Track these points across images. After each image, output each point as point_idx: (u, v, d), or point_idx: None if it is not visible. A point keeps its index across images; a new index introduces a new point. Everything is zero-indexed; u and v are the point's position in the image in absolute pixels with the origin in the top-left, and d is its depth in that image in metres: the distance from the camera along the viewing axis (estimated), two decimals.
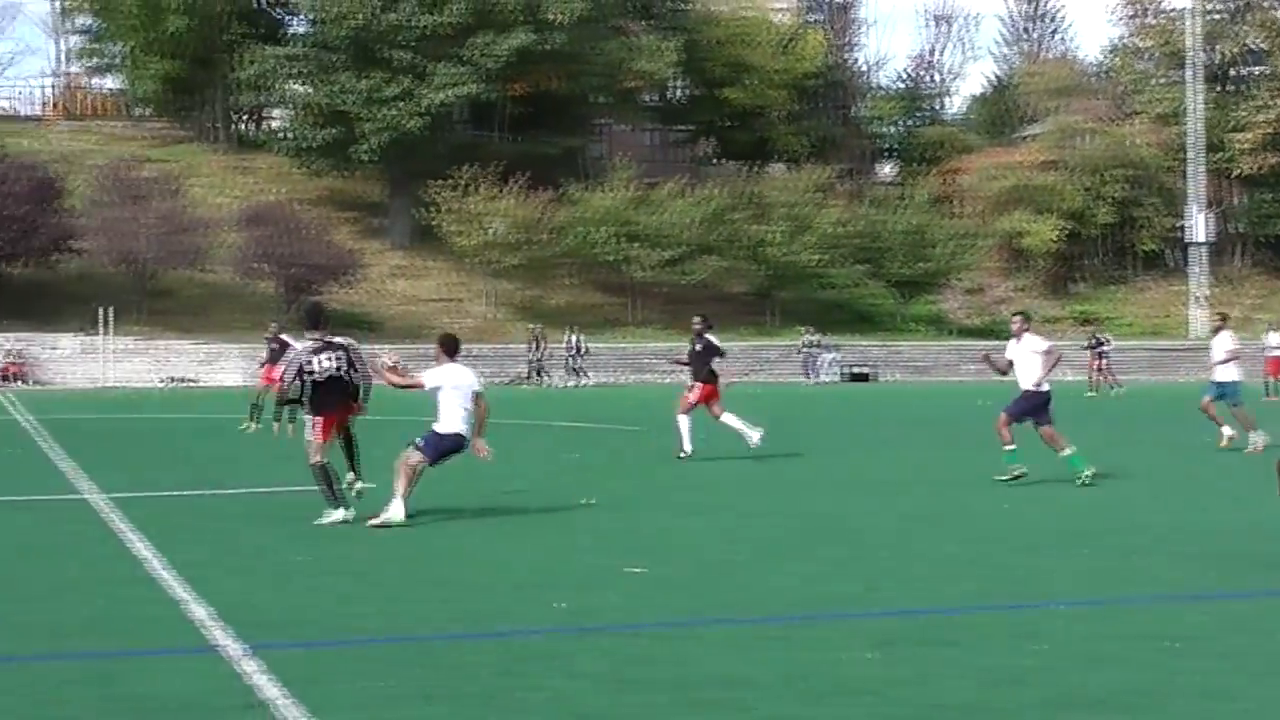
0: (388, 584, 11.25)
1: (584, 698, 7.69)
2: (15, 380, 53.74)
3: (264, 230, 59.66)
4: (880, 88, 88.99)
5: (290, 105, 69.35)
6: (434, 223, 64.02)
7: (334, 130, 65.11)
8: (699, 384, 21.60)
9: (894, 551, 12.90)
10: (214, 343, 56.64)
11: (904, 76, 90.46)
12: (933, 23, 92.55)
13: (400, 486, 14.45)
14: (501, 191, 62.74)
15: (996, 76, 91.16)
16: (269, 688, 7.80)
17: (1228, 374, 23.35)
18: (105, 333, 53.46)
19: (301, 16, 71.88)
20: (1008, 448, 18.17)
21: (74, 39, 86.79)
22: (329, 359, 14.81)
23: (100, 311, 53.81)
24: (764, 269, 67.08)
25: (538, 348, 56.72)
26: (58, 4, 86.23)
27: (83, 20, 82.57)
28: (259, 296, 60.71)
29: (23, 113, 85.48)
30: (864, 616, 10.08)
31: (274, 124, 77.43)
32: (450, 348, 15.26)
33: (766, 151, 77.72)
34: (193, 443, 26.25)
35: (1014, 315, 19.69)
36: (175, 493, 17.73)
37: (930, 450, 19.39)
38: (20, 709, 7.43)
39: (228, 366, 55.36)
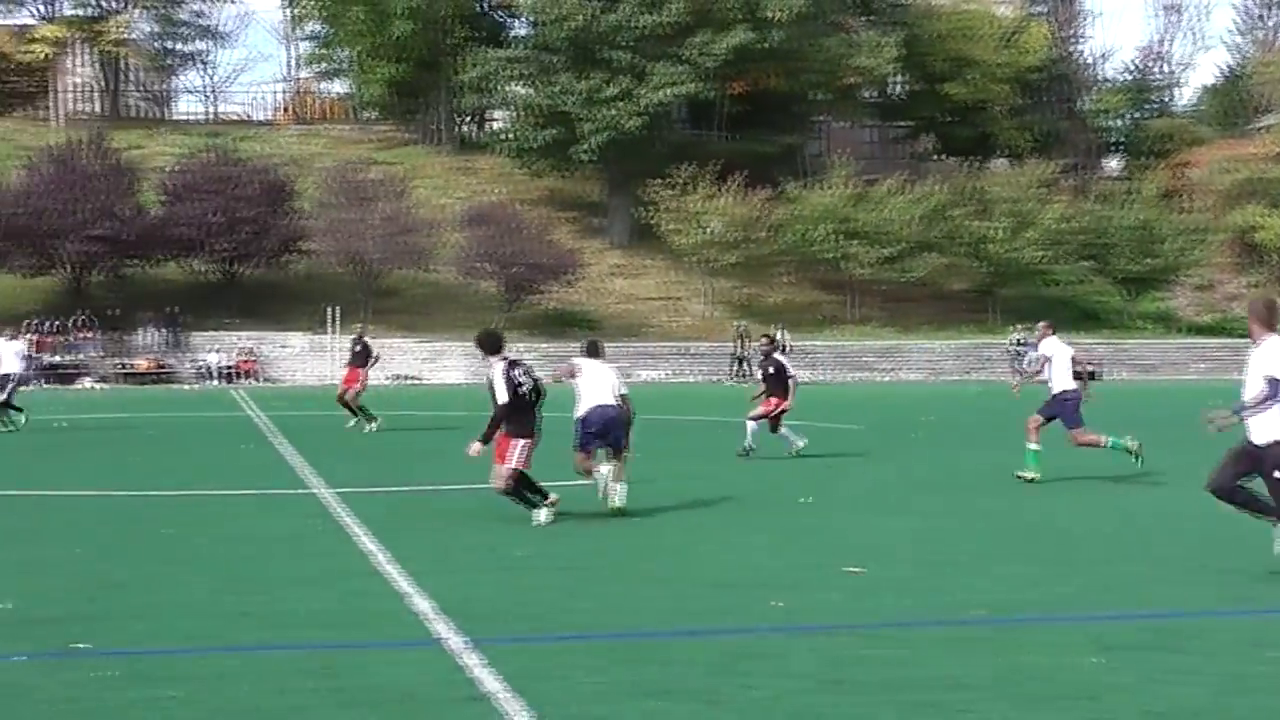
0: (606, 580, 11.33)
1: (800, 697, 7.66)
2: (247, 377, 55.43)
3: (486, 230, 60.51)
4: (1107, 80, 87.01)
5: (511, 107, 70.22)
6: (652, 221, 64.31)
7: (554, 131, 65.77)
8: (773, 398, 22.42)
9: (1109, 553, 12.61)
10: (437, 341, 57.67)
11: (1131, 68, 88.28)
12: (1162, 13, 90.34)
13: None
14: (719, 190, 62.77)
15: (1229, 66, 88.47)
16: (490, 681, 7.91)
17: None
18: (332, 331, 54.78)
19: (523, 19, 72.78)
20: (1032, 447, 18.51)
21: (304, 45, 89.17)
22: (523, 376, 14.77)
23: (328, 310, 55.14)
24: (985, 266, 66.07)
25: (741, 345, 56.62)
26: (289, 11, 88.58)
27: (312, 27, 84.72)
28: (481, 296, 61.64)
29: (255, 118, 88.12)
30: (1082, 620, 9.87)
31: (496, 125, 78.54)
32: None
33: (988, 147, 76.50)
34: (415, 439, 26.74)
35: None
36: (399, 488, 18.08)
37: (1147, 450, 18.85)
38: (251, 697, 7.65)
39: (451, 364, 56.34)
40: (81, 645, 8.90)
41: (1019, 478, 18.28)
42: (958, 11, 76.49)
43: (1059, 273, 67.94)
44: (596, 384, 15.96)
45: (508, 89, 68.99)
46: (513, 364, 14.75)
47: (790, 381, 22.43)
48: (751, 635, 9.27)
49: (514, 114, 70.03)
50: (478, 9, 75.54)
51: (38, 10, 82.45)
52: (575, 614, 9.97)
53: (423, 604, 10.17)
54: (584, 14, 63.97)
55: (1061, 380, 18.97)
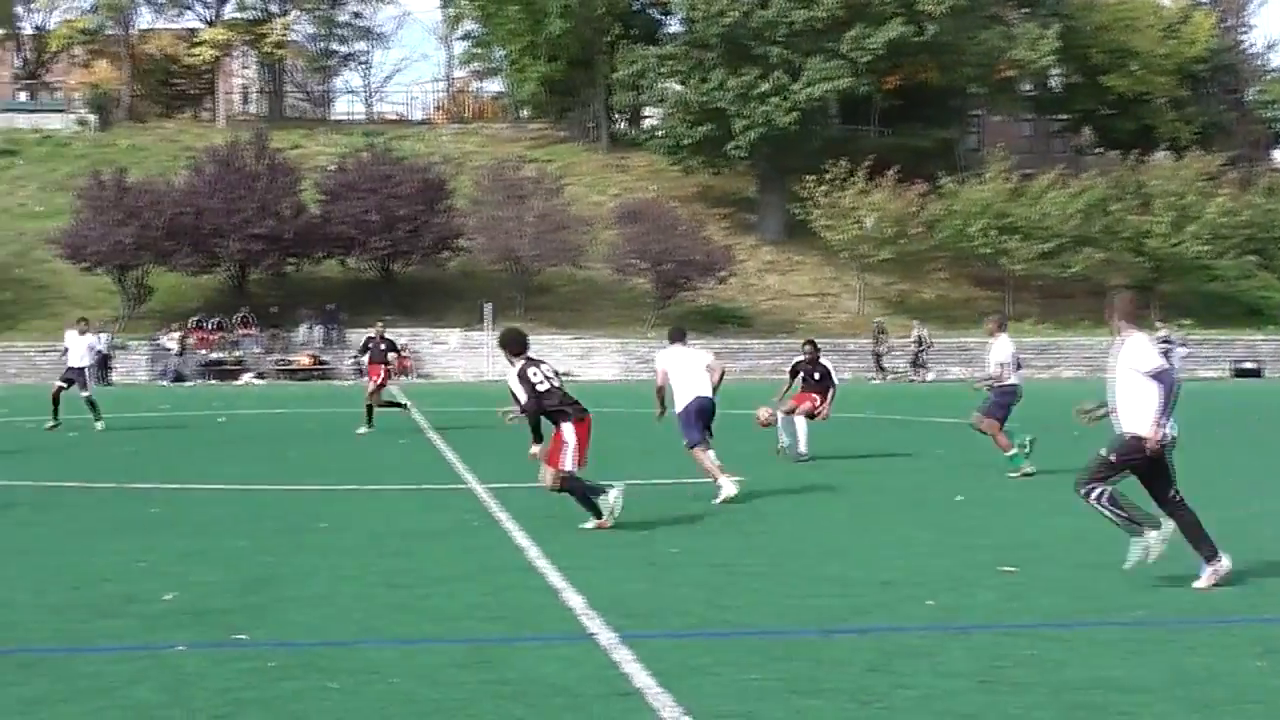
0: (757, 578, 11.29)
1: (955, 697, 7.57)
2: (404, 374, 56.19)
3: (638, 227, 60.70)
4: (1274, 70, 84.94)
5: (665, 104, 70.38)
6: (805, 218, 64.07)
7: (707, 127, 65.77)
8: (814, 394, 21.91)
9: (1274, 555, 12.30)
10: (590, 338, 57.97)
11: None
12: None
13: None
14: (873, 185, 62.36)
15: None
16: (640, 676, 7.92)
17: None
18: (487, 328, 55.30)
19: (677, 16, 72.90)
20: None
21: (460, 45, 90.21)
22: (541, 373, 14.11)
23: (483, 307, 55.67)
24: (1146, 261, 64.88)
25: (879, 342, 56.17)
26: (445, 12, 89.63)
27: (468, 27, 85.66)
28: (632, 292, 61.86)
29: (412, 117, 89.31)
30: (1245, 622, 9.64)
31: (649, 123, 78.78)
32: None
33: (1150, 139, 75.05)
34: None
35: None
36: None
37: None
38: (407, 689, 7.75)
39: (603, 361, 56.60)
40: (242, 636, 9.07)
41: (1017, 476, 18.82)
42: (1119, 2, 75.19)
43: (1222, 268, 66.56)
44: (689, 374, 16.42)
45: (661, 86, 69.12)
46: (530, 362, 14.13)
47: (832, 390, 21.96)
48: (905, 634, 9.19)
49: (667, 111, 70.15)
50: (632, 6, 75.79)
51: (203, 14, 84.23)
52: (726, 611, 9.95)
53: (575, 599, 10.22)
54: (738, 10, 63.89)
55: (1013, 376, 20.22)
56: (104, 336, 33.64)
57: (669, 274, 59.67)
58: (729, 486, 15.94)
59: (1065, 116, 79.95)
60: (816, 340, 23.48)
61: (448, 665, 8.29)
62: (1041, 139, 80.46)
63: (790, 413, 21.66)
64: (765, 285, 66.02)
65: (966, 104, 75.53)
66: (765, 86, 64.01)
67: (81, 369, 28.99)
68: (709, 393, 16.40)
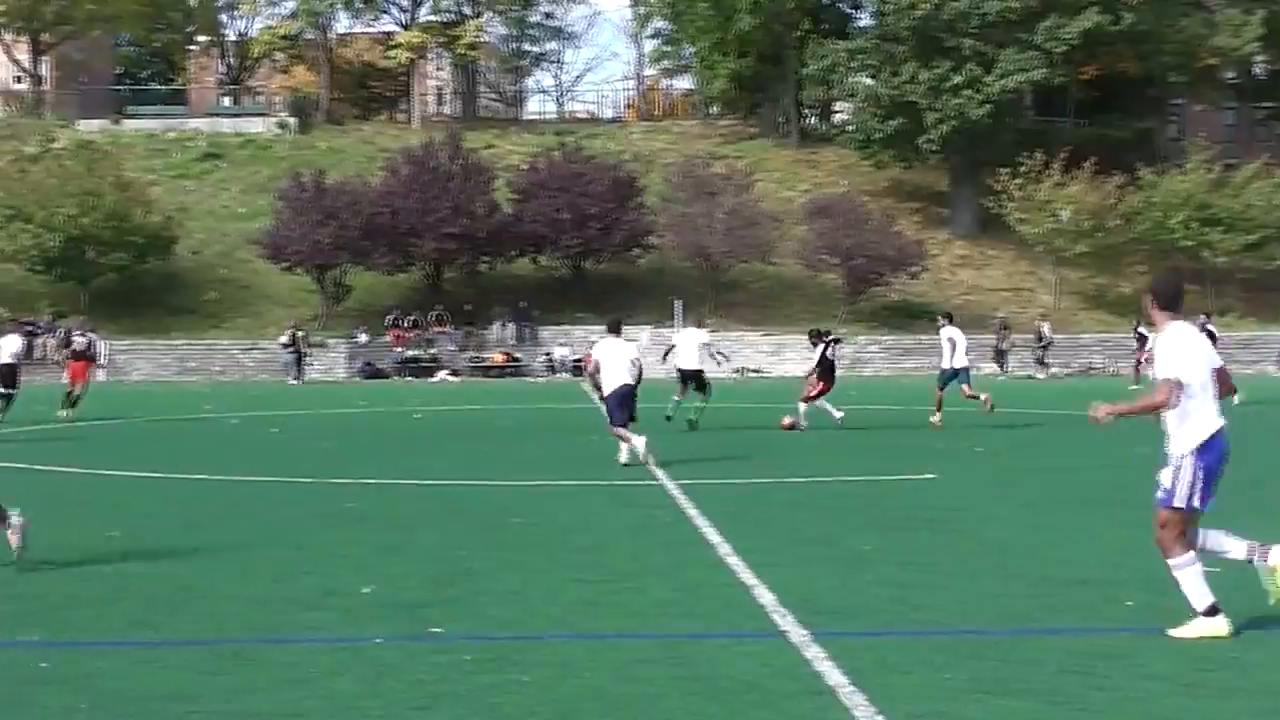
0: (951, 575, 11.15)
1: (1155, 700, 7.39)
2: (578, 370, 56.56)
3: (829, 223, 60.41)
4: None
5: (855, 98, 69.92)
6: (999, 211, 63.18)
7: (898, 121, 65.20)
8: (822, 381, 27.33)
9: None
10: (780, 334, 57.81)
11: None
12: None
13: None
14: (1069, 178, 61.27)
15: None
16: (833, 675, 7.87)
17: None
18: (677, 325, 55.41)
19: (867, 9, 72.39)
20: None
21: (650, 43, 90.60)
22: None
23: (673, 304, 55.83)
24: None
25: (1002, 338, 55.02)
26: (635, 10, 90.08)
27: (658, 24, 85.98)
28: (824, 288, 61.57)
29: (603, 116, 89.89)
30: None
31: (839, 118, 78.32)
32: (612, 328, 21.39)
33: None
34: (758, 432, 26.83)
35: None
36: (742, 480, 18.16)
37: None
38: (599, 683, 7.78)
39: (793, 357, 56.40)
40: (437, 629, 9.20)
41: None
42: None
43: None
44: (617, 365, 20.16)
45: (852, 80, 68.71)
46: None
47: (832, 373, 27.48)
48: (1101, 634, 8.99)
49: (858, 105, 69.70)
50: (822, 1, 75.43)
51: (398, 18, 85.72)
52: (918, 609, 9.84)
53: (766, 596, 10.18)
54: (930, 2, 63.24)
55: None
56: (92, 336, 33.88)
57: (860, 269, 59.29)
58: (633, 447, 19.54)
59: (1270, 104, 77.69)
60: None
61: (639, 660, 8.32)
62: (1245, 128, 78.34)
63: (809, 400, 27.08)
64: (958, 280, 65.24)
65: (1166, 93, 73.83)
66: (958, 79, 63.27)
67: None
68: (631, 381, 20.11)
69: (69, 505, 16.02)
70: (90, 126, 76.08)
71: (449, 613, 9.74)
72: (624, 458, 19.75)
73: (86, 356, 33.32)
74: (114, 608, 9.98)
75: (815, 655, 8.34)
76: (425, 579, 11.08)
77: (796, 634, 8.92)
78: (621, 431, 19.92)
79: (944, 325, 27.94)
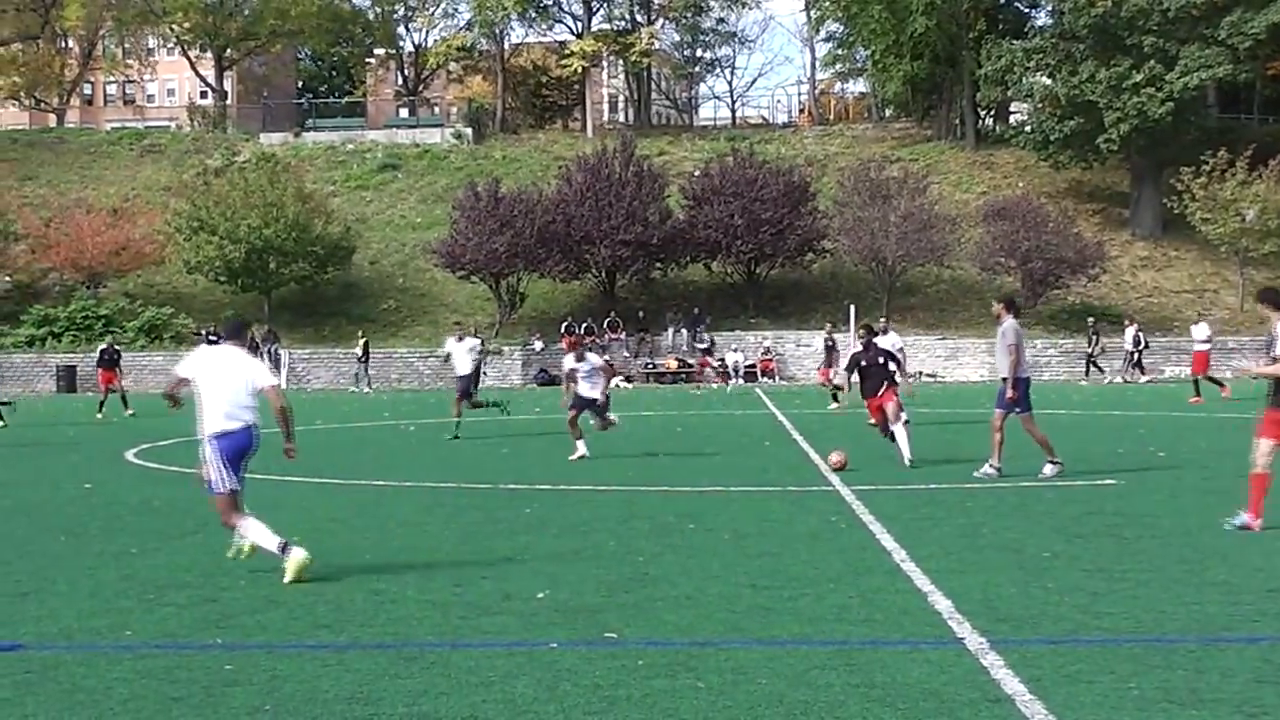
0: (1135, 583, 10.94)
1: None
2: (768, 376, 56.47)
3: (1006, 225, 59.57)
4: None
5: (1033, 98, 68.86)
6: (1181, 211, 61.81)
7: (1077, 121, 64.07)
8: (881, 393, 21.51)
9: None
10: (956, 338, 57.17)
11: None
12: None
13: None
14: (1255, 176, 59.72)
15: None
16: (1011, 683, 7.77)
17: None
18: (852, 330, 55.07)
19: (1044, 8, 71.34)
20: None
21: (823, 47, 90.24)
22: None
23: (848, 309, 55.51)
24: None
25: (1093, 343, 53.48)
26: (809, 14, 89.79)
27: (831, 28, 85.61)
28: (1001, 291, 60.74)
29: (775, 120, 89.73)
30: None
31: (1016, 118, 77.27)
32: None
33: None
34: (934, 437, 26.56)
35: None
36: (919, 486, 17.98)
37: None
38: (775, 690, 7.77)
39: (970, 362, 55.76)
40: (612, 634, 9.25)
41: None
42: None
43: None
44: (585, 377, 23.21)
45: (1029, 80, 67.67)
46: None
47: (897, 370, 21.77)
48: None
49: (1035, 105, 68.61)
50: (998, 1, 74.50)
51: (572, 27, 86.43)
52: (1102, 617, 9.66)
53: (943, 603, 10.09)
54: None
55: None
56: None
57: (1038, 272, 58.39)
58: (581, 449, 22.43)
59: None
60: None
61: (815, 667, 8.29)
62: None
63: (883, 429, 21.40)
64: (1139, 282, 63.93)
65: None
66: (1138, 77, 61.99)
67: (465, 376, 29.46)
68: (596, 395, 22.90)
69: (257, 510, 16.38)
70: (272, 140, 77.83)
71: (625, 617, 9.80)
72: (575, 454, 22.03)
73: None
74: (301, 611, 10.19)
75: (993, 662, 8.24)
76: (601, 584, 11.15)
77: (974, 641, 8.82)
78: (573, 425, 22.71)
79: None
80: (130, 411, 37.92)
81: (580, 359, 23.40)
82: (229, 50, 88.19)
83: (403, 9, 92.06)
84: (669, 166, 67.49)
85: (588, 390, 23.03)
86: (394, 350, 58.53)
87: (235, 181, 64.52)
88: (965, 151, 74.17)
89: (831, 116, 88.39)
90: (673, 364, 57.91)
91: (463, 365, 29.37)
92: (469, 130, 79.08)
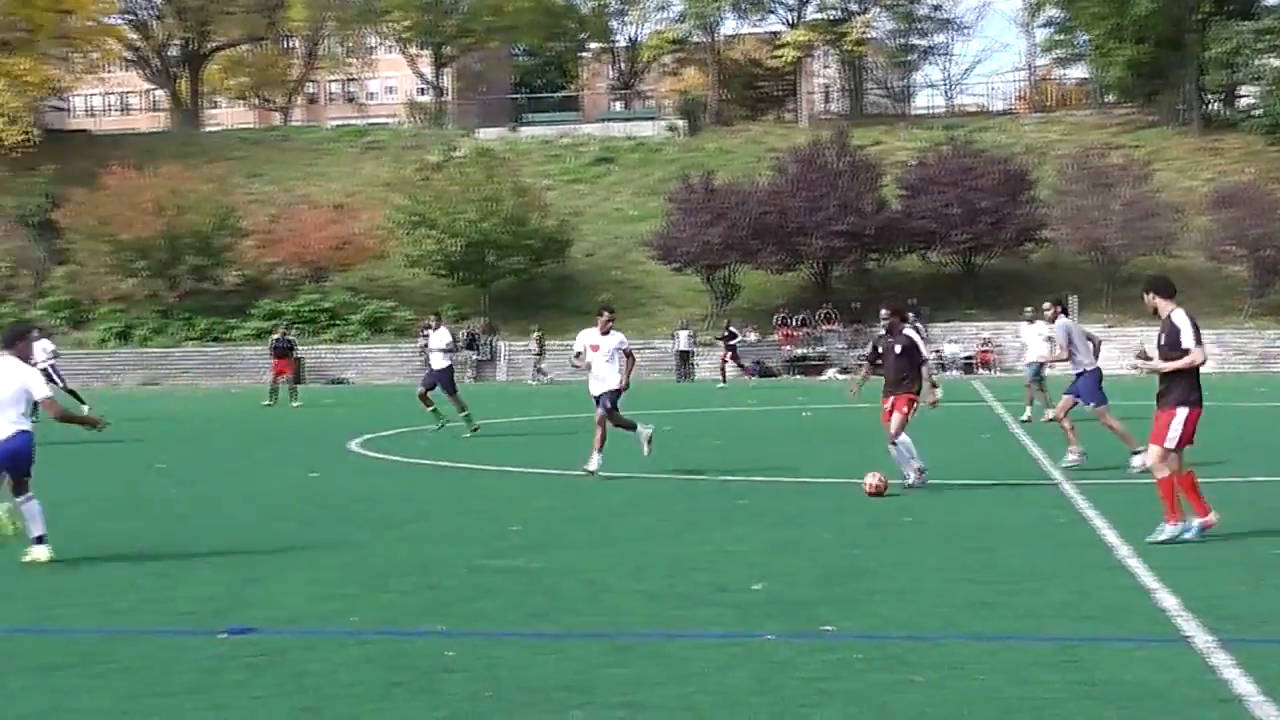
0: None
1: None
2: (986, 368, 55.66)
3: (1234, 212, 57.85)
4: None
5: (1263, 81, 66.78)
6: None
7: None
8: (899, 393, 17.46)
9: None
10: None
11: None
12: None
13: None
14: None
15: None
16: (1241, 683, 7.54)
17: None
18: (1073, 320, 54.11)
19: None
20: None
21: (1042, 32, 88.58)
22: None
23: (1068, 299, 54.42)
24: None
25: None
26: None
27: (1051, 13, 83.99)
28: (1228, 281, 59.03)
29: (992, 108, 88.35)
30: None
31: (1245, 102, 74.99)
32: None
33: None
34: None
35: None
36: (1141, 480, 17.54)
37: None
38: (992, 686, 7.65)
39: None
40: (828, 627, 9.20)
41: None
42: None
43: None
44: (599, 365, 19.23)
45: (1258, 63, 65.66)
46: None
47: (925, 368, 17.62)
48: None
49: (1265, 88, 66.54)
50: None
51: (785, 17, 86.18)
52: None
53: (1168, 600, 9.83)
54: None
55: None
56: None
57: (1268, 260, 56.63)
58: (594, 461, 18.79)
59: None
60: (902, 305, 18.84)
61: (1033, 663, 8.14)
62: None
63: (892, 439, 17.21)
64: None
65: None
66: None
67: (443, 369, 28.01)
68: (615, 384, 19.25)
69: (472, 499, 16.66)
70: (489, 135, 78.93)
71: (839, 610, 9.74)
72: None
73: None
74: (517, 600, 10.32)
75: (1221, 662, 8.01)
76: (815, 577, 11.09)
77: (1201, 640, 8.58)
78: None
79: None
80: (297, 403, 38.50)
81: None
82: (446, 47, 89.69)
83: (615, 3, 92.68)
84: (884, 156, 66.86)
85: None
86: None
87: (453, 176, 65.61)
88: (1190, 137, 72.16)
89: (1051, 103, 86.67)
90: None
91: (439, 359, 27.99)
92: (683, 122, 79.27)
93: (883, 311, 17.86)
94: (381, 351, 59.58)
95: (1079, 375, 19.93)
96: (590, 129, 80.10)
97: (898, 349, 17.32)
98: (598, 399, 19.39)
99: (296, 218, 65.18)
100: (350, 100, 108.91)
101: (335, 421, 32.23)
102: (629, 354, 19.63)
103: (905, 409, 17.10)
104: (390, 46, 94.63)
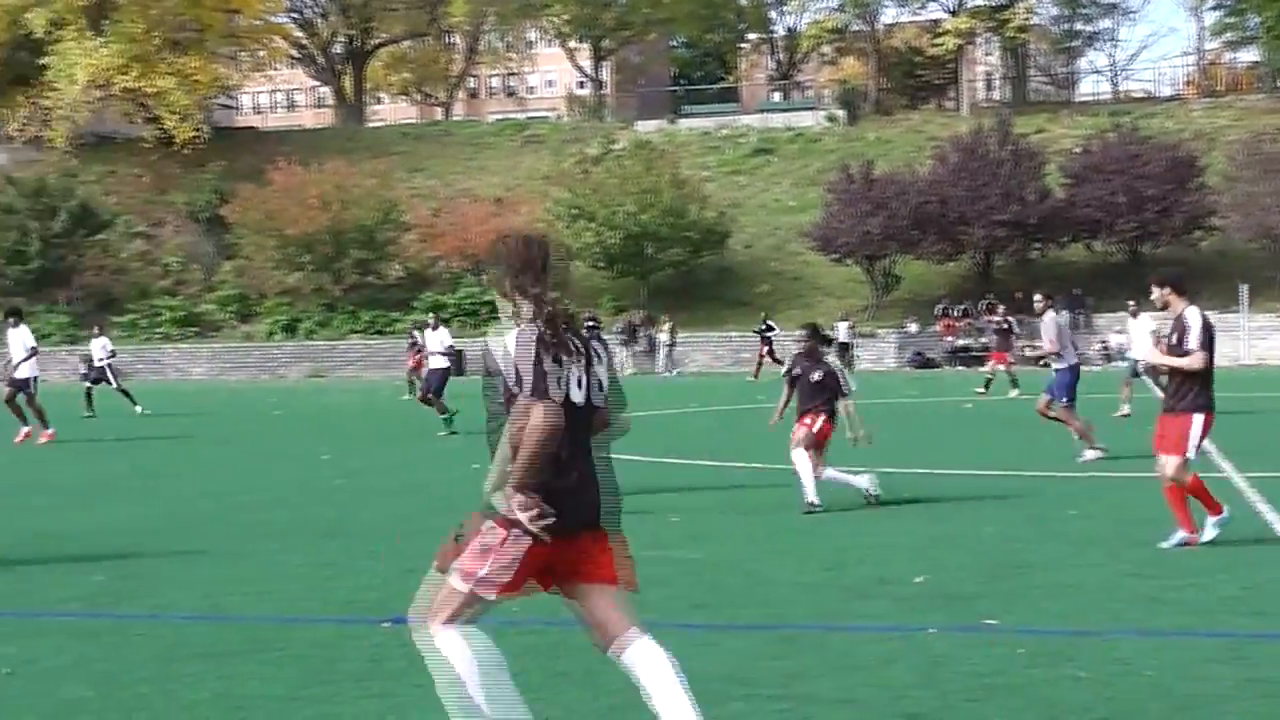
0: None
1: None
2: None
3: None
4: None
5: None
6: None
7: None
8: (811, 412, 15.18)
9: None
10: None
11: None
12: None
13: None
14: None
15: None
16: None
17: None
18: (1243, 311, 52.86)
19: None
20: None
21: (1211, 16, 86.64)
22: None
23: (1239, 289, 53.28)
24: None
25: None
26: None
27: None
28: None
29: (1159, 94, 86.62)
30: None
31: None
32: None
33: None
34: None
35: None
36: None
37: None
38: (1161, 681, 7.53)
39: None
40: (991, 621, 9.11)
41: None
42: None
43: None
44: None
45: None
46: None
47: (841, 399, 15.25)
48: None
49: None
50: None
51: (945, 4, 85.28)
52: None
53: None
54: None
55: None
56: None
57: None
58: None
59: None
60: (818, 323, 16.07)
61: (1203, 660, 7.99)
62: None
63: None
64: None
65: None
66: None
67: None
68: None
69: (629, 490, 16.71)
70: (648, 127, 79.15)
71: (1002, 604, 9.64)
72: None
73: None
74: (679, 592, 10.35)
75: None
76: (978, 570, 10.99)
77: None
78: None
79: None
80: (407, 396, 38.80)
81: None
82: (605, 40, 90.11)
83: None
84: (1047, 144, 65.91)
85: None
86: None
87: (612, 169, 65.92)
88: None
89: (1220, 88, 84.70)
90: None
91: (438, 360, 27.77)
92: (842, 112, 78.81)
93: (798, 331, 15.74)
94: None
95: (1058, 370, 20.52)
96: (749, 120, 79.99)
97: (814, 376, 15.01)
98: None
99: (458, 211, 66.00)
100: (510, 94, 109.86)
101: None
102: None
103: (806, 428, 14.86)
104: (550, 40, 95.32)
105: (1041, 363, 21.84)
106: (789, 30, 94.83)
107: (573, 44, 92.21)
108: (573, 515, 5.57)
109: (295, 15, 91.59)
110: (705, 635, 8.89)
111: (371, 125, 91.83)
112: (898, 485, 16.75)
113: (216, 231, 68.56)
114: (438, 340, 28.02)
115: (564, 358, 5.49)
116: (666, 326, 56.62)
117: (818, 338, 15.35)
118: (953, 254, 60.26)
